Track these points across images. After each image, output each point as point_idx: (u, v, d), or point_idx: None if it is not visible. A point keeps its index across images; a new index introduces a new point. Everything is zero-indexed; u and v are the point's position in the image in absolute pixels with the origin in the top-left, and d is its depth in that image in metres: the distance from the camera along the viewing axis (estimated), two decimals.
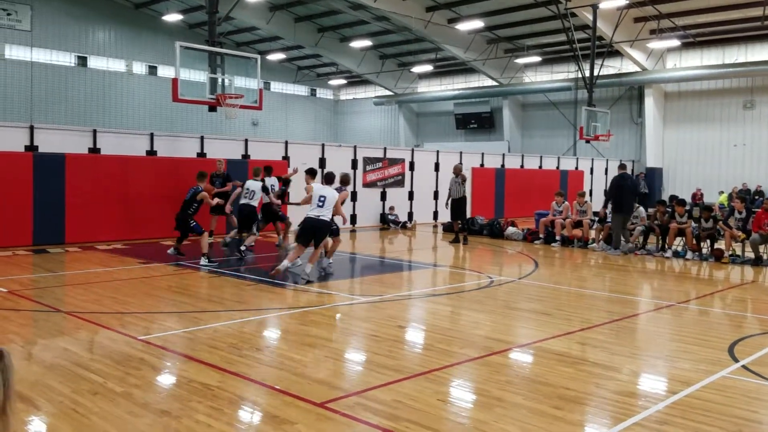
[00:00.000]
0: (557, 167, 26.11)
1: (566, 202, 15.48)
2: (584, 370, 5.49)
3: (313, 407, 4.49)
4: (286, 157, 17.05)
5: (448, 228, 18.25)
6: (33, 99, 28.21)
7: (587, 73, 24.89)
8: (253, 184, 12.41)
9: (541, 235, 15.56)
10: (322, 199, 9.69)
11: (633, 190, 14.44)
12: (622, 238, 13.85)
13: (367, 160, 19.16)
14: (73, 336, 6.40)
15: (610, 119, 26.03)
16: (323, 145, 18.30)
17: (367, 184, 19.15)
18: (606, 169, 27.84)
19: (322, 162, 17.94)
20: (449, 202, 15.47)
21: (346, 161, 18.67)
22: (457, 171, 15.54)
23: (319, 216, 9.64)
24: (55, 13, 29.57)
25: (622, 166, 14.46)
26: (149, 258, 11.51)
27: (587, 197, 15.88)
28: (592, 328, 7.05)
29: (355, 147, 19.07)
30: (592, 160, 27.59)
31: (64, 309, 7.54)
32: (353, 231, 17.91)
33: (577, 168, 26.78)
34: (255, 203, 12.38)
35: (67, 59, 30.52)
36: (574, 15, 24.67)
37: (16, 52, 28.31)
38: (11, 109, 26.70)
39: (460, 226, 15.54)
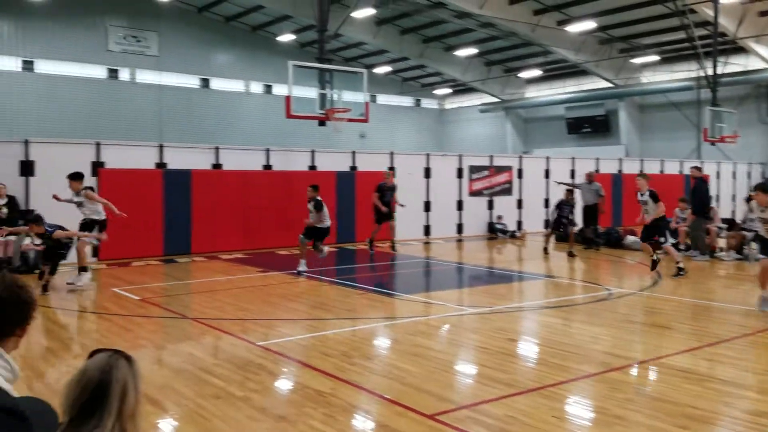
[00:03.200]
0: (680, 171, 24.55)
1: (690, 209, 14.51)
2: (712, 388, 5.11)
3: (423, 419, 4.48)
4: (392, 168, 17.23)
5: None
6: (162, 119, 30.42)
7: (710, 72, 23.30)
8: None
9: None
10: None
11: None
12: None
13: (473, 169, 18.99)
14: (198, 341, 6.80)
15: (736, 119, 24.19)
16: (428, 155, 18.35)
17: (474, 193, 18.96)
18: (734, 173, 25.86)
19: (428, 171, 17.98)
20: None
21: (452, 170, 18.60)
22: (591, 177, 15.63)
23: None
24: (180, 38, 31.76)
25: (698, 169, 14.30)
26: (267, 267, 12.04)
27: (713, 203, 14.85)
28: (720, 343, 6.54)
29: (460, 156, 18.96)
30: (719, 163, 25.71)
31: (190, 315, 8.04)
32: (459, 240, 17.78)
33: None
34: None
35: (192, 81, 32.68)
36: (694, 11, 23.21)
37: (145, 76, 30.67)
38: (142, 129, 28.91)
39: (591, 233, 15.76)
